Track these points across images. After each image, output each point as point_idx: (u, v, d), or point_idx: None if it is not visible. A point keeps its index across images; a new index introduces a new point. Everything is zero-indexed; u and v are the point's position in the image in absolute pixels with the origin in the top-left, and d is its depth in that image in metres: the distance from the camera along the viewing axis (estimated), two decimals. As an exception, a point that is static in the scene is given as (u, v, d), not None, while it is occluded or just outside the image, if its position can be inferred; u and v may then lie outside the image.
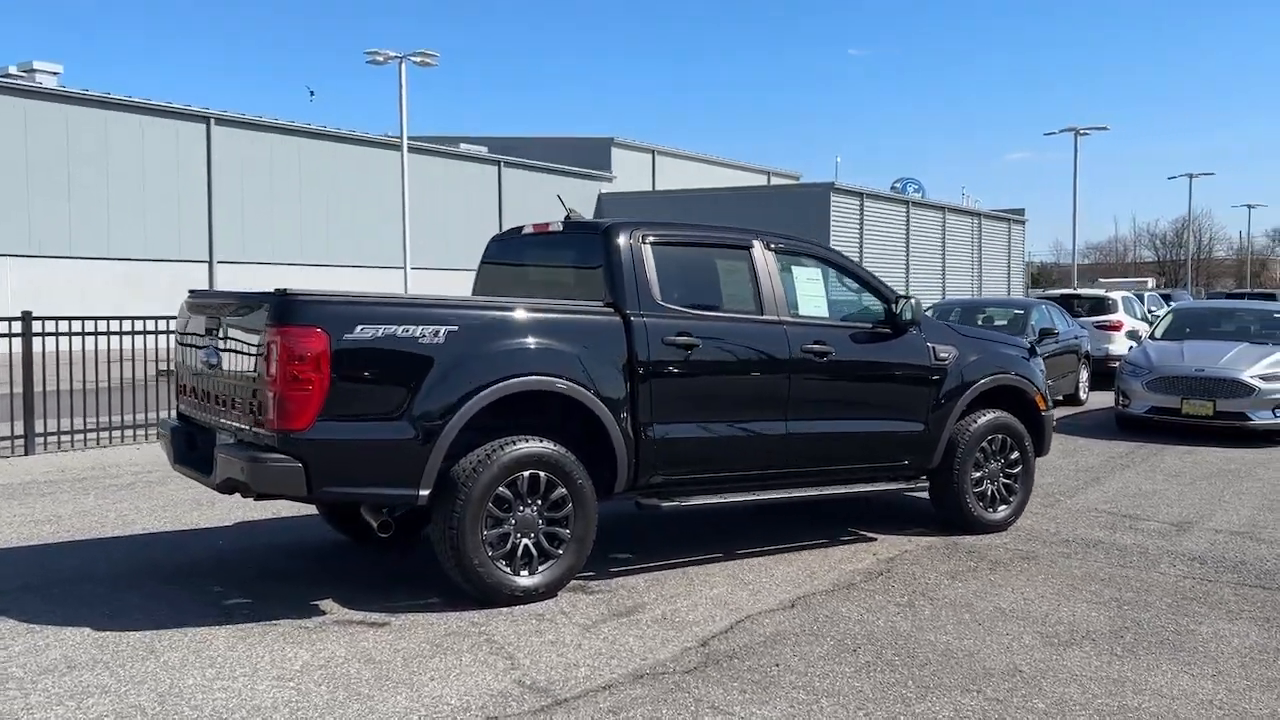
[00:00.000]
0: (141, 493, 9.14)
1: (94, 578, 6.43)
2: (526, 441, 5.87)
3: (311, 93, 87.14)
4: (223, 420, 6.00)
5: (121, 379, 12.06)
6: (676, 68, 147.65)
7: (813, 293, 7.20)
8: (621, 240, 6.47)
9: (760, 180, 59.52)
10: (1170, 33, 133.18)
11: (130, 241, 32.24)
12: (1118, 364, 15.65)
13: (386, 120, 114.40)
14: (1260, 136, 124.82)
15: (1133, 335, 19.68)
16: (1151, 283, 59.84)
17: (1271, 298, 34.11)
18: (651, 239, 6.58)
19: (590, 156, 51.12)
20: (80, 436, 11.59)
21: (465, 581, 5.77)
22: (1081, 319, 19.34)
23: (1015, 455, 7.97)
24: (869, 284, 7.51)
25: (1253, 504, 9.13)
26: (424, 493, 5.63)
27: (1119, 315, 20.88)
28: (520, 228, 7.40)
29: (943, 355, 7.57)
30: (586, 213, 44.15)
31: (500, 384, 5.79)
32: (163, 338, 11.51)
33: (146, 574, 6.53)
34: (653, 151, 54.29)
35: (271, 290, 5.56)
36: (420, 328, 5.64)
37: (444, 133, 50.28)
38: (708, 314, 6.67)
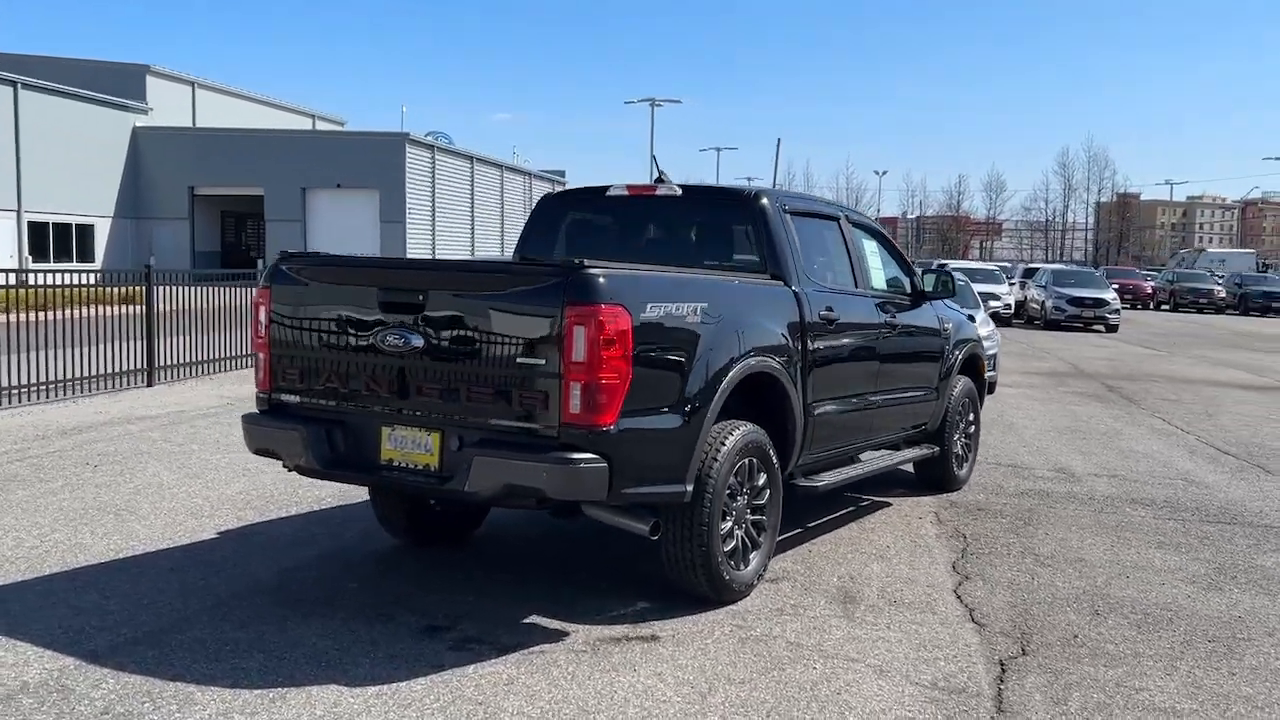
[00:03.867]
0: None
1: (189, 619, 5.04)
2: (744, 426, 5.48)
3: None
4: (418, 414, 4.96)
5: None
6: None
7: (875, 265, 7.32)
8: (772, 208, 6.17)
9: (305, 123, 56.62)
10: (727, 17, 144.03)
11: None
12: None
13: None
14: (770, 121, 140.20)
15: None
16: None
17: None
18: (788, 208, 6.34)
19: (122, 85, 45.54)
20: None
21: (707, 581, 5.30)
22: None
23: (972, 417, 8.67)
24: (897, 255, 7.75)
25: (1067, 449, 10.62)
26: (689, 488, 5.08)
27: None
28: (604, 188, 6.72)
29: (947, 326, 8.05)
30: (119, 149, 39.55)
31: (740, 366, 5.36)
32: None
33: (245, 605, 5.22)
34: (193, 84, 49.58)
35: (557, 262, 4.66)
36: (686, 305, 5.06)
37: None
38: (834, 287, 6.57)
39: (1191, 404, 14.73)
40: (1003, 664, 4.82)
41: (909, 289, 7.67)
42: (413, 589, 5.59)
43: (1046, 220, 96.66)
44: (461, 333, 4.82)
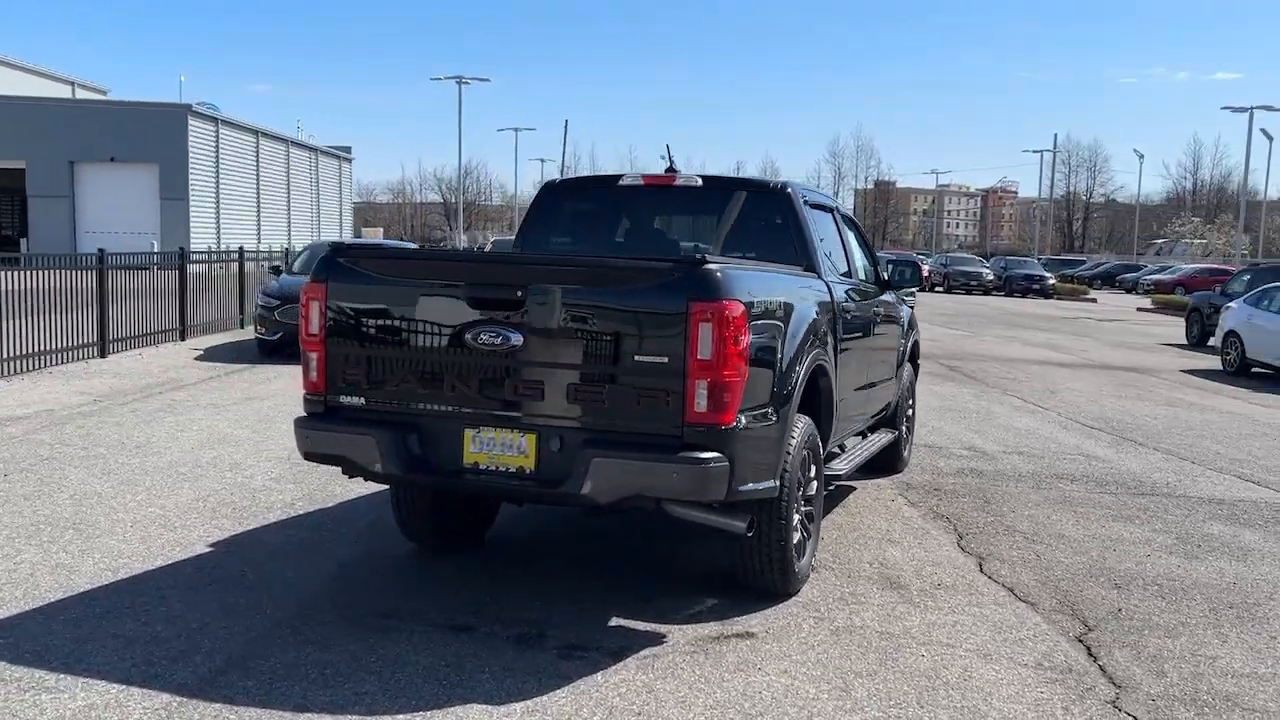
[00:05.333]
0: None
1: (260, 642, 4.64)
2: (803, 419, 5.51)
3: None
4: (510, 415, 4.73)
5: None
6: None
7: (857, 255, 7.47)
8: (800, 201, 6.21)
9: (64, 91, 52.30)
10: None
11: None
12: None
13: None
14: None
15: None
16: None
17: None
18: (807, 200, 6.39)
19: None
20: None
21: (780, 575, 5.31)
22: None
23: (911, 402, 9.01)
24: (866, 244, 7.94)
25: (960, 428, 11.21)
26: (777, 484, 5.06)
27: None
28: (615, 177, 6.54)
29: (904, 314, 8.33)
30: None
31: (808, 359, 5.39)
32: None
33: (307, 623, 4.85)
34: (-65, 46, 44.83)
35: (678, 257, 4.52)
36: (775, 300, 5.04)
37: None
38: (843, 278, 6.67)
39: (1029, 382, 15.78)
40: (1081, 641, 5.06)
41: (875, 278, 7.88)
42: (468, 596, 5.33)
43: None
44: (568, 330, 4.62)
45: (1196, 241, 70.03)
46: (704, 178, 6.40)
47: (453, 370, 4.81)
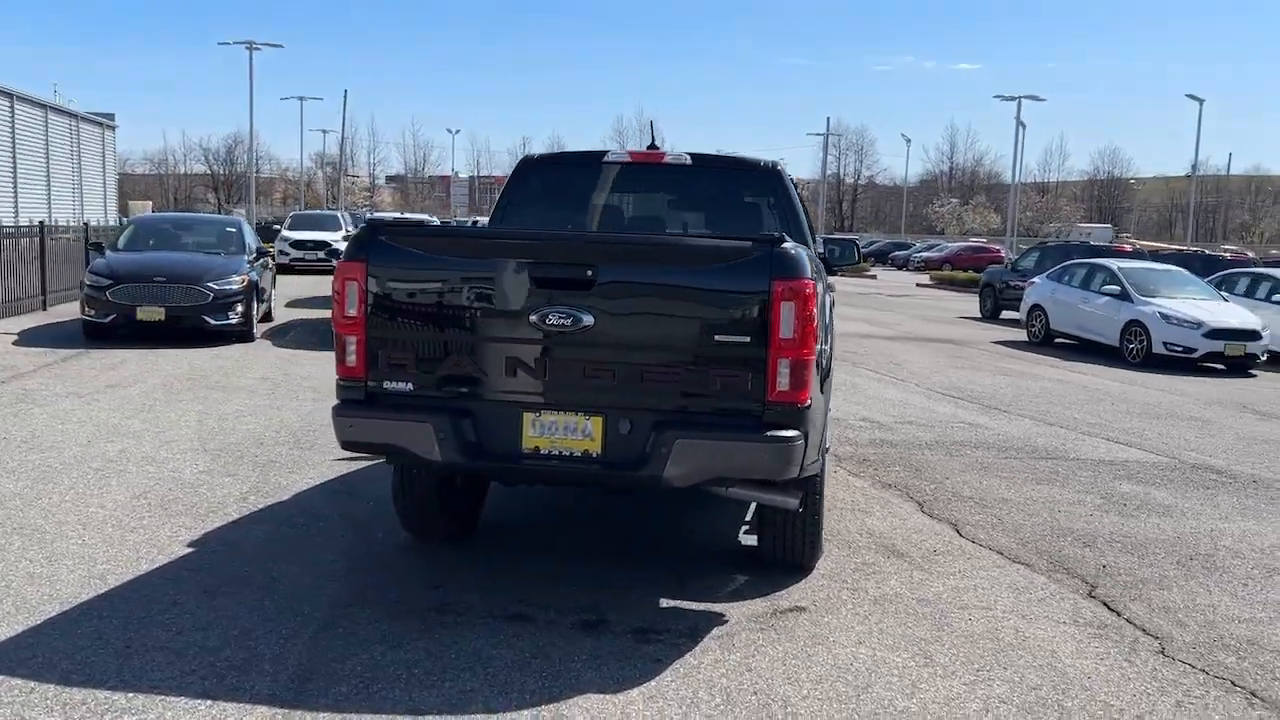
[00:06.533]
0: None
1: (320, 646, 4.34)
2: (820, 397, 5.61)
3: None
4: (574, 398, 4.59)
5: None
6: None
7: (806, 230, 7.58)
8: (789, 180, 6.28)
9: None
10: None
11: None
12: None
13: None
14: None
15: None
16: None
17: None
18: (792, 178, 6.47)
19: None
20: None
21: (810, 549, 5.40)
22: None
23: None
24: (808, 217, 8.06)
25: (839, 399, 11.64)
26: (820, 459, 5.14)
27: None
28: (600, 153, 6.39)
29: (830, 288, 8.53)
30: None
31: (831, 338, 5.47)
32: None
33: (359, 623, 4.59)
34: None
35: (757, 236, 4.49)
36: (821, 277, 5.07)
37: None
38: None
39: (870, 355, 16.48)
40: (1094, 598, 5.40)
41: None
42: (493, 583, 5.16)
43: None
44: (642, 310, 4.51)
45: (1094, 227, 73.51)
46: (693, 156, 6.37)
47: (514, 352, 4.61)
